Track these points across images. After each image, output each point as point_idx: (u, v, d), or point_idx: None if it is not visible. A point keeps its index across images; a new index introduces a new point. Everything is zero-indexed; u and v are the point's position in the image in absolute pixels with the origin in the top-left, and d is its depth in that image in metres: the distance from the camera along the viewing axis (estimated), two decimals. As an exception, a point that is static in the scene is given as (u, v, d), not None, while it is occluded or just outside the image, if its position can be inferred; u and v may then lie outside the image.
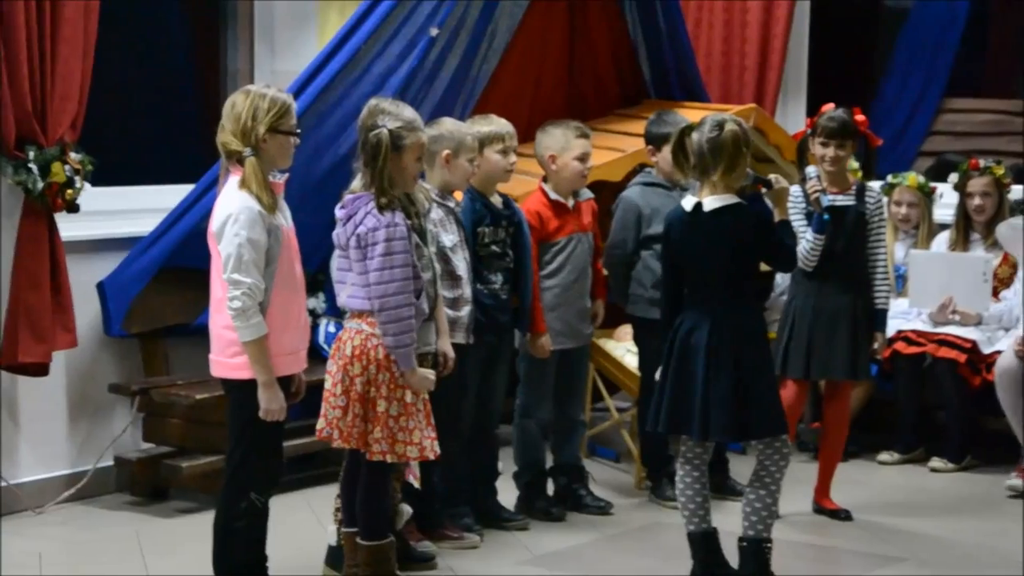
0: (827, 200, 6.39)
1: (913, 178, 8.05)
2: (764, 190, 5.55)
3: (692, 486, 5.54)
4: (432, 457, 5.41)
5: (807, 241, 6.38)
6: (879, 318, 6.58)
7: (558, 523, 6.50)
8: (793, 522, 6.57)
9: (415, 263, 5.33)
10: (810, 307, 6.50)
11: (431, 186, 5.91)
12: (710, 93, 8.43)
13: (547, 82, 8.09)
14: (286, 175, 5.11)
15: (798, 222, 6.42)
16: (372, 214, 5.24)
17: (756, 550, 5.51)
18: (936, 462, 7.57)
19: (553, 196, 6.51)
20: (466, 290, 6.02)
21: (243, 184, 4.91)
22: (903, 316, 7.77)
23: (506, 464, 6.63)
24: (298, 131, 5.06)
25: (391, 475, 5.49)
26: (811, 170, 6.44)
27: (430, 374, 5.38)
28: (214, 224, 4.96)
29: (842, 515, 6.66)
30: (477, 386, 6.26)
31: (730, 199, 5.42)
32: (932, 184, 8.12)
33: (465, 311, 6.02)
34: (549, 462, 6.71)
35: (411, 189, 5.43)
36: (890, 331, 7.68)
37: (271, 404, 4.96)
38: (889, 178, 8.10)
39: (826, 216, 6.35)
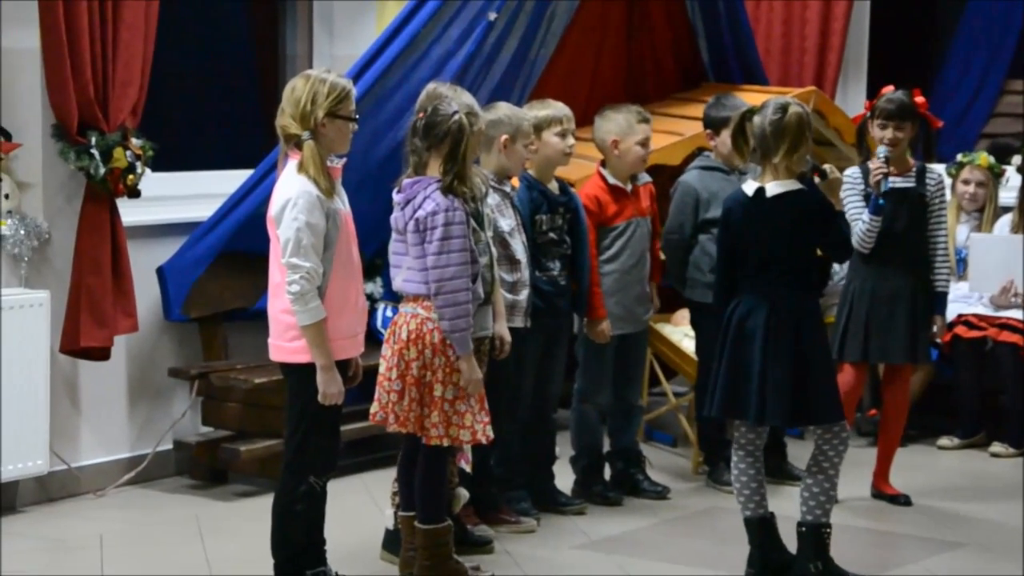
0: (887, 185, 6.34)
1: (984, 157, 7.97)
2: (818, 180, 5.52)
3: (747, 471, 5.52)
4: (485, 441, 5.42)
5: (863, 222, 6.34)
6: (939, 301, 6.54)
7: (615, 507, 6.50)
8: (852, 507, 6.55)
9: (473, 248, 5.34)
10: (868, 290, 6.46)
11: (487, 171, 5.91)
12: (769, 76, 8.38)
13: (605, 66, 8.07)
14: (344, 160, 5.13)
15: (855, 204, 6.39)
16: (432, 198, 5.25)
17: (815, 535, 5.49)
18: (997, 447, 7.52)
19: (612, 180, 6.50)
20: (524, 274, 6.02)
21: (301, 168, 4.93)
22: (964, 300, 7.71)
23: (563, 448, 6.63)
24: (356, 116, 5.08)
25: (449, 459, 5.51)
26: (881, 150, 6.39)
27: (480, 376, 5.36)
28: (273, 209, 4.98)
29: (901, 500, 6.63)
30: (535, 371, 6.27)
31: (793, 185, 5.40)
32: (1002, 166, 8.04)
33: (524, 295, 6.02)
34: (606, 446, 6.71)
35: (472, 175, 5.44)
36: (950, 315, 7.63)
37: (329, 388, 4.98)
38: (959, 157, 8.02)
39: (882, 200, 6.30)
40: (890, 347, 6.48)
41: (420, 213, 5.25)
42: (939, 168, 6.84)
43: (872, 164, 6.38)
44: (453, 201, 5.25)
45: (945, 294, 6.58)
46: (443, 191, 5.25)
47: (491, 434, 5.41)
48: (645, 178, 6.65)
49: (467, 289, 5.27)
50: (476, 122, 5.37)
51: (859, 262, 6.47)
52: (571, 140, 6.29)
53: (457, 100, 5.40)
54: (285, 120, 4.99)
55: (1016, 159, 7.92)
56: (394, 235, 5.44)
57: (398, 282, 5.42)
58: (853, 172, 6.48)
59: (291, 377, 5.10)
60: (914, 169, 6.49)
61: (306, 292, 4.91)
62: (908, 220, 6.44)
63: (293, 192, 4.92)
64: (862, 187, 6.42)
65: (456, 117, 5.27)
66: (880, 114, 6.43)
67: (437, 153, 5.31)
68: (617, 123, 6.48)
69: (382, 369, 5.38)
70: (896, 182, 6.41)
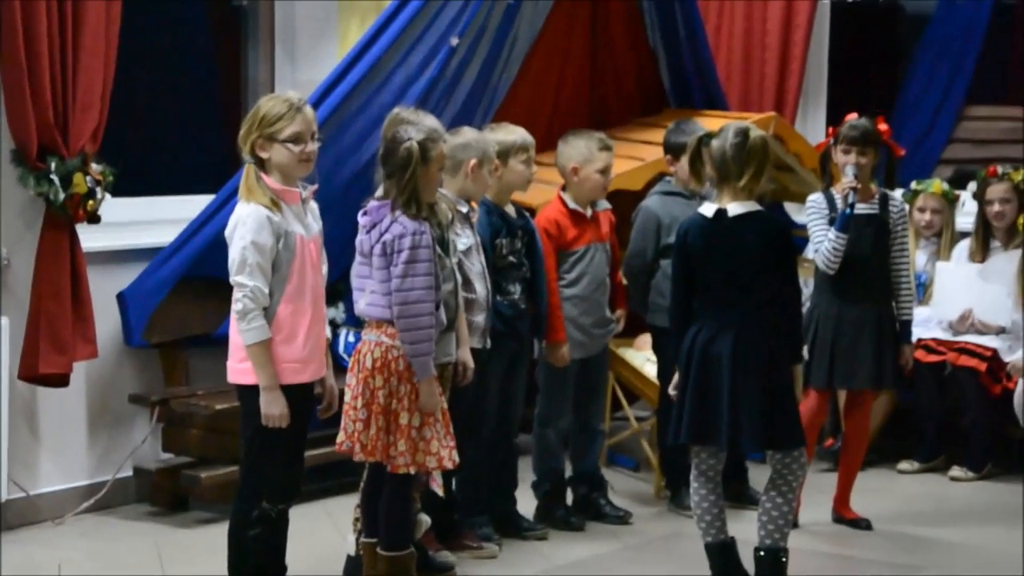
0: (854, 197, 6.34)
1: (938, 185, 8.04)
2: None
3: (707, 498, 5.53)
4: (451, 466, 5.41)
5: (828, 240, 6.37)
6: (905, 330, 6.57)
7: (577, 532, 6.50)
8: (813, 531, 6.56)
9: (437, 273, 5.34)
10: (832, 316, 6.47)
11: (449, 193, 5.91)
12: (729, 101, 8.42)
13: (567, 90, 8.09)
14: (315, 186, 5.13)
15: (820, 228, 6.42)
16: (399, 221, 5.25)
17: (773, 560, 5.50)
18: (956, 471, 7.56)
19: (572, 205, 6.51)
20: (480, 294, 6.01)
21: (240, 192, 4.99)
22: (923, 324, 7.74)
23: (525, 473, 6.63)
24: (297, 140, 5.01)
25: (412, 486, 5.49)
26: (850, 168, 6.42)
27: (438, 400, 5.34)
28: (227, 229, 5.02)
29: (862, 524, 6.65)
30: (498, 394, 6.26)
31: (754, 206, 5.42)
32: (955, 191, 8.10)
33: (480, 316, 6.01)
34: (568, 471, 6.71)
35: (434, 199, 5.44)
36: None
37: (270, 409, 4.96)
38: (913, 184, 8.08)
39: (848, 211, 6.32)
40: (855, 373, 6.49)
41: (387, 236, 5.24)
42: (900, 194, 6.88)
43: (841, 181, 6.41)
44: (421, 224, 5.25)
45: (910, 321, 6.61)
46: (409, 216, 5.25)
47: (457, 458, 5.40)
48: (605, 204, 6.66)
49: (430, 314, 5.27)
50: (434, 147, 5.35)
51: (824, 288, 6.50)
52: (534, 168, 6.32)
53: (421, 125, 5.40)
54: (239, 141, 5.05)
55: (972, 185, 7.97)
56: (358, 258, 5.43)
57: (361, 306, 5.41)
58: (817, 198, 6.51)
59: (243, 399, 5.11)
60: (877, 196, 6.53)
61: (249, 311, 4.92)
62: (872, 246, 6.46)
63: (243, 212, 4.96)
64: (827, 212, 6.45)
65: (407, 144, 5.27)
66: (844, 140, 6.47)
67: (395, 180, 5.31)
68: (578, 149, 6.49)
69: (347, 398, 5.36)
70: (860, 209, 6.44)
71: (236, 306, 4.92)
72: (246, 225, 4.93)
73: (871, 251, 6.45)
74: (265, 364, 4.95)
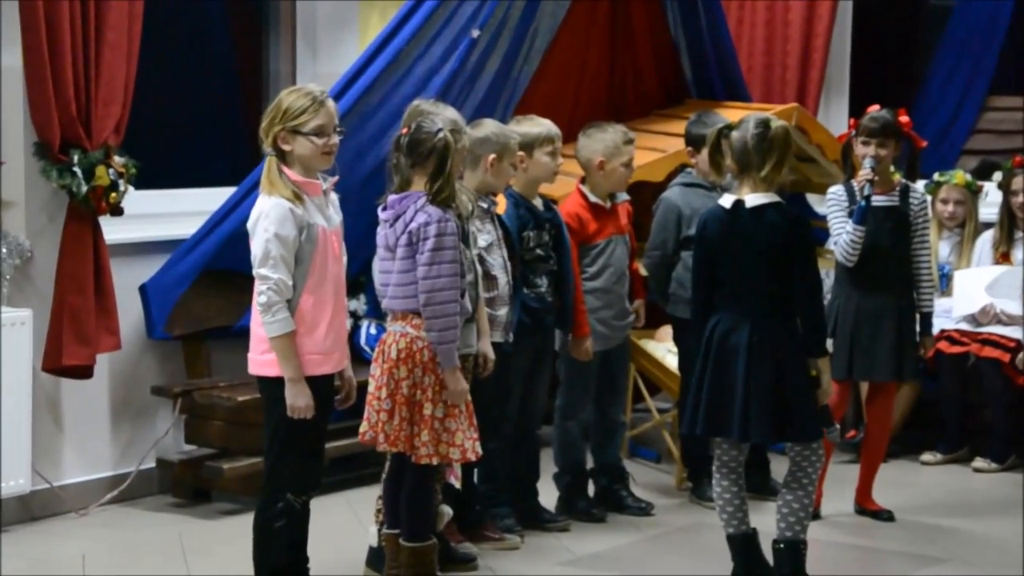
0: (870, 189, 6.32)
1: (960, 176, 8.01)
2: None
3: (730, 489, 5.52)
4: (474, 458, 5.43)
5: (847, 232, 6.35)
6: (925, 321, 6.55)
7: (599, 524, 6.50)
8: (835, 523, 6.56)
9: (462, 262, 5.35)
10: (853, 308, 6.47)
11: (470, 187, 5.91)
12: (752, 92, 8.40)
13: (588, 82, 8.09)
14: (335, 178, 5.14)
15: (839, 220, 6.41)
16: (424, 210, 5.25)
17: (792, 552, 5.48)
18: (979, 462, 7.54)
19: (592, 198, 6.51)
20: (503, 290, 6.01)
21: (262, 184, 4.98)
22: (946, 315, 7.73)
23: (546, 465, 6.63)
24: (320, 133, 5.02)
25: (435, 477, 5.51)
26: (868, 161, 6.41)
27: (465, 388, 5.36)
28: (249, 221, 5.02)
29: (884, 516, 6.64)
30: (521, 387, 6.27)
31: (773, 197, 5.41)
32: (979, 183, 8.08)
33: (503, 311, 6.01)
34: (590, 463, 6.71)
35: (454, 190, 5.44)
36: (933, 330, 7.66)
37: (296, 401, 4.96)
38: (936, 176, 8.06)
39: (863, 203, 6.31)
40: (875, 365, 6.49)
41: (412, 225, 5.25)
42: (922, 185, 6.86)
43: (860, 175, 6.40)
44: (445, 212, 5.26)
45: (931, 314, 6.59)
46: (435, 204, 5.26)
47: (480, 451, 5.42)
48: (623, 196, 6.66)
49: (455, 301, 5.28)
50: (460, 139, 5.38)
51: (844, 280, 6.49)
52: (560, 159, 6.30)
53: (442, 116, 5.41)
54: (261, 134, 5.05)
55: (997, 175, 7.95)
56: (382, 252, 5.42)
57: (387, 301, 5.42)
58: (837, 190, 6.50)
59: (265, 391, 5.11)
60: (898, 188, 6.51)
61: (273, 303, 4.92)
62: (892, 238, 6.45)
63: (266, 205, 4.96)
64: (846, 204, 6.44)
65: (441, 135, 5.27)
66: (863, 132, 6.46)
67: (422, 170, 5.31)
68: (604, 143, 6.48)
69: (371, 388, 5.38)
70: (880, 200, 6.42)
71: (260, 299, 4.93)
72: (269, 218, 4.93)
73: (891, 243, 6.44)
74: (290, 356, 4.95)
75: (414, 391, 5.30)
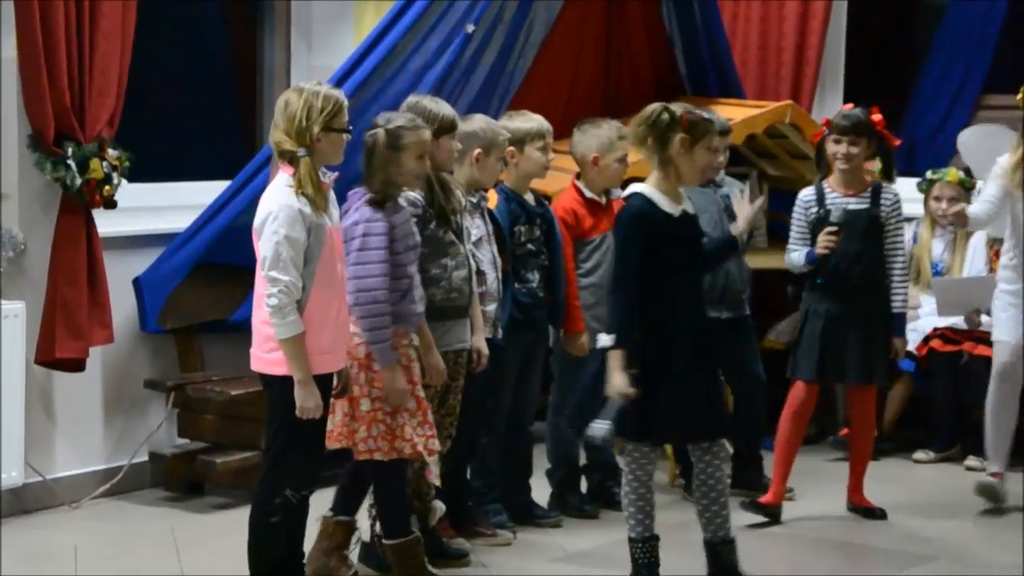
0: (839, 204, 6.37)
1: (954, 173, 7.99)
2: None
3: (638, 491, 5.48)
4: (427, 455, 5.44)
5: (795, 259, 6.47)
6: (897, 322, 6.52)
7: (591, 520, 6.51)
8: (828, 520, 6.56)
9: (404, 263, 5.34)
10: (823, 310, 6.45)
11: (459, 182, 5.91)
12: (746, 89, 8.41)
13: (583, 78, 8.09)
14: (335, 173, 5.13)
15: (797, 231, 6.47)
16: (357, 210, 5.28)
17: (722, 551, 5.49)
18: (972, 460, 7.53)
19: (588, 194, 6.50)
20: (491, 286, 6.01)
21: (298, 186, 4.91)
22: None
23: (539, 461, 6.63)
24: (350, 128, 5.07)
25: (399, 473, 5.48)
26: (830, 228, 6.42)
27: (404, 388, 5.35)
28: (256, 221, 4.98)
29: (877, 513, 6.64)
30: (514, 383, 6.26)
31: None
32: (972, 180, 8.07)
33: (492, 307, 6.00)
34: (582, 459, 6.71)
35: (413, 187, 5.46)
36: (927, 328, 7.67)
37: (306, 402, 4.96)
38: (928, 174, 8.04)
39: (812, 256, 6.38)
40: (845, 367, 6.47)
41: (344, 223, 5.28)
42: (899, 185, 6.80)
43: (825, 233, 6.39)
44: (375, 212, 5.27)
45: (903, 315, 6.55)
46: (369, 203, 5.27)
47: (435, 447, 5.43)
48: (618, 192, 6.66)
49: (386, 301, 5.27)
50: (409, 135, 5.34)
51: (815, 282, 6.49)
52: (551, 154, 6.30)
53: (436, 111, 5.42)
54: (279, 135, 4.96)
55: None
56: None
57: None
58: (806, 194, 6.51)
59: (270, 389, 5.09)
60: (869, 189, 6.49)
61: (284, 306, 4.90)
62: (862, 242, 6.43)
63: (275, 205, 4.92)
64: (815, 210, 6.43)
65: (371, 133, 5.33)
66: (835, 129, 6.44)
67: (365, 168, 5.38)
68: (599, 139, 6.48)
69: None
70: (850, 203, 6.42)
71: (270, 301, 4.89)
72: (278, 219, 4.89)
73: (860, 247, 6.41)
74: (300, 358, 4.93)
75: (351, 387, 5.31)
